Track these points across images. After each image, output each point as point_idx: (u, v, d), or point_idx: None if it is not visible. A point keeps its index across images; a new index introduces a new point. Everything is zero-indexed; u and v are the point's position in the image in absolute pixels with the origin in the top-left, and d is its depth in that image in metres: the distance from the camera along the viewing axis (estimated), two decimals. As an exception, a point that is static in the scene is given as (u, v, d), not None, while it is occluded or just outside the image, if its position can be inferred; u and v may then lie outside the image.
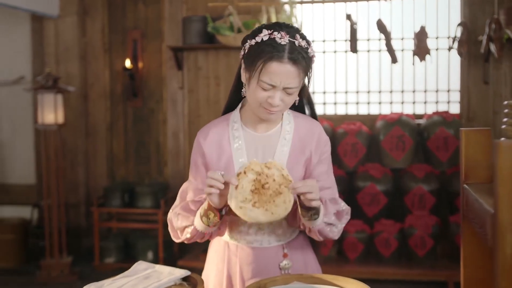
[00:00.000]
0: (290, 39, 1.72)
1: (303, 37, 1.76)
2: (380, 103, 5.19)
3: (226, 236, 1.96)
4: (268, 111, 1.80)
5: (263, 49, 1.72)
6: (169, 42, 5.28)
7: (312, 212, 1.76)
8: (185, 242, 1.94)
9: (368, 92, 5.19)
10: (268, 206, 1.71)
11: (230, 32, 4.82)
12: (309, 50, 1.77)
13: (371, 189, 4.71)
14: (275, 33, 1.73)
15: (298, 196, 1.75)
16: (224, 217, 1.86)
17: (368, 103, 5.20)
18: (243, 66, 1.83)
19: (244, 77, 1.84)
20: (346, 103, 5.24)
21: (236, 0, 4.87)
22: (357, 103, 5.22)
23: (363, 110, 5.22)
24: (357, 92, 5.21)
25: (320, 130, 1.95)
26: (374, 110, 5.20)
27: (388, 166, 4.76)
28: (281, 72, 1.72)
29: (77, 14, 5.45)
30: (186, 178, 2.00)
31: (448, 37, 4.97)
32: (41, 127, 4.86)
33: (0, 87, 5.85)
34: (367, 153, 4.83)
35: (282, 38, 1.72)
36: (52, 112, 4.83)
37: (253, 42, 1.76)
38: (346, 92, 5.24)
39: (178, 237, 1.96)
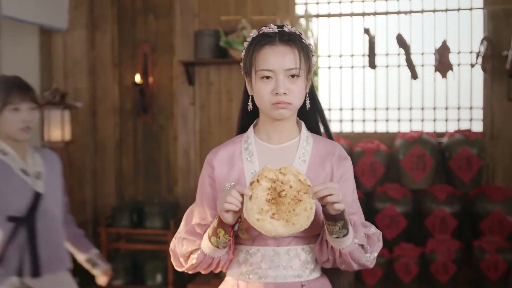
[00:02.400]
0: (279, 29, 1.71)
1: (292, 27, 1.73)
2: (399, 120, 4.98)
3: (235, 273, 1.76)
4: (277, 105, 1.67)
5: (253, 42, 1.71)
6: (180, 56, 5.12)
7: (340, 224, 1.58)
8: (190, 271, 1.77)
9: (387, 109, 4.99)
10: (288, 216, 1.54)
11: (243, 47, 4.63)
12: (303, 37, 1.71)
13: (390, 211, 4.49)
14: (263, 28, 1.73)
15: (324, 214, 1.59)
16: (233, 239, 1.68)
17: (387, 120, 5.00)
18: (244, 77, 1.77)
19: (248, 88, 1.76)
20: (364, 121, 5.04)
21: (249, 14, 4.70)
22: (375, 120, 5.02)
23: (381, 128, 5.02)
24: (375, 109, 5.01)
25: (341, 148, 1.81)
26: (392, 128, 5.00)
27: (408, 187, 4.55)
28: (274, 54, 1.67)
29: (86, 28, 5.31)
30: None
31: (471, 52, 4.77)
32: (47, 144, 4.69)
33: (7, 102, 5.70)
34: (385, 173, 4.62)
35: (271, 29, 1.71)
36: (58, 129, 4.67)
37: (245, 45, 1.75)
38: (363, 109, 5.04)
39: (182, 265, 1.79)
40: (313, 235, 1.73)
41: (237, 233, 1.68)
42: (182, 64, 5.04)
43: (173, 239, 1.81)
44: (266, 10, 4.94)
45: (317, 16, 4.97)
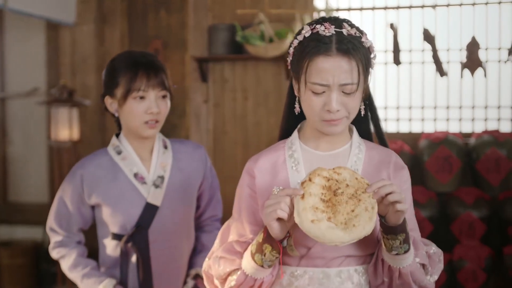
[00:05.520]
0: (337, 29, 1.46)
1: (352, 25, 1.45)
2: (423, 120, 4.75)
3: None
4: (329, 122, 1.45)
5: (306, 46, 1.47)
6: (193, 52, 4.90)
7: (401, 237, 1.37)
8: None
9: (410, 107, 4.76)
10: (347, 218, 1.33)
11: (261, 42, 4.42)
12: (363, 40, 1.44)
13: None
14: (318, 26, 1.48)
15: (382, 226, 1.38)
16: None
17: (410, 119, 4.77)
18: (292, 75, 1.53)
19: (295, 88, 1.53)
20: (386, 120, 4.81)
21: (267, 7, 4.47)
22: (398, 119, 4.79)
23: (404, 128, 4.79)
24: (398, 107, 4.78)
25: (397, 156, 1.59)
26: (416, 128, 4.77)
27: (433, 190, 4.33)
28: (330, 67, 1.43)
29: (94, 22, 5.10)
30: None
31: (499, 48, 4.54)
32: (54, 144, 4.49)
33: (13, 100, 5.52)
34: (409, 175, 4.38)
35: (326, 29, 1.45)
36: (66, 128, 4.46)
37: (295, 43, 1.51)
38: (385, 108, 4.81)
39: None
40: (367, 254, 1.51)
41: (285, 249, 1.46)
42: (195, 60, 4.83)
43: (207, 258, 1.59)
44: (284, 3, 4.72)
45: (337, 10, 4.75)
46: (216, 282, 1.55)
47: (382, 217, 1.40)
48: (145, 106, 2.04)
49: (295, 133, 1.60)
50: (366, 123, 1.63)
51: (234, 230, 1.58)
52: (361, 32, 1.49)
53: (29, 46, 5.41)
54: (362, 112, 1.54)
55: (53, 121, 4.47)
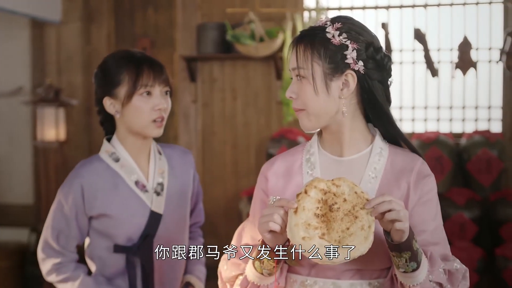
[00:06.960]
0: (318, 23, 1.48)
1: (333, 19, 1.43)
2: (413, 120, 4.73)
3: None
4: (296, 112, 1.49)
5: None
6: (181, 51, 4.84)
7: (407, 255, 1.31)
8: None
9: (400, 108, 4.74)
10: (341, 237, 1.27)
11: (251, 41, 4.36)
12: (329, 30, 1.40)
13: (406, 216, 4.24)
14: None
15: (387, 242, 1.32)
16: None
17: (400, 119, 4.74)
18: None
19: None
20: (376, 120, 4.78)
21: (257, 6, 4.41)
22: (388, 120, 4.76)
23: (394, 128, 4.76)
24: (388, 107, 4.75)
25: (422, 163, 1.48)
26: (407, 128, 4.74)
27: (424, 191, 4.30)
28: (291, 54, 1.49)
29: (81, 20, 5.01)
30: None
31: (490, 48, 4.53)
32: (40, 144, 4.40)
33: (-4, 99, 5.42)
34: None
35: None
36: (52, 128, 4.38)
37: None
38: (376, 108, 4.78)
39: None
40: (382, 268, 1.45)
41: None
42: (183, 59, 4.77)
43: (222, 259, 1.55)
44: (275, 2, 4.67)
45: (328, 9, 4.70)
46: (227, 284, 1.52)
47: (387, 233, 1.34)
48: (152, 103, 1.95)
49: (314, 136, 1.54)
50: (390, 126, 1.51)
51: (248, 232, 1.54)
52: (333, 23, 1.43)
53: (13, 44, 5.31)
54: (344, 112, 1.44)
55: (39, 121, 4.39)
